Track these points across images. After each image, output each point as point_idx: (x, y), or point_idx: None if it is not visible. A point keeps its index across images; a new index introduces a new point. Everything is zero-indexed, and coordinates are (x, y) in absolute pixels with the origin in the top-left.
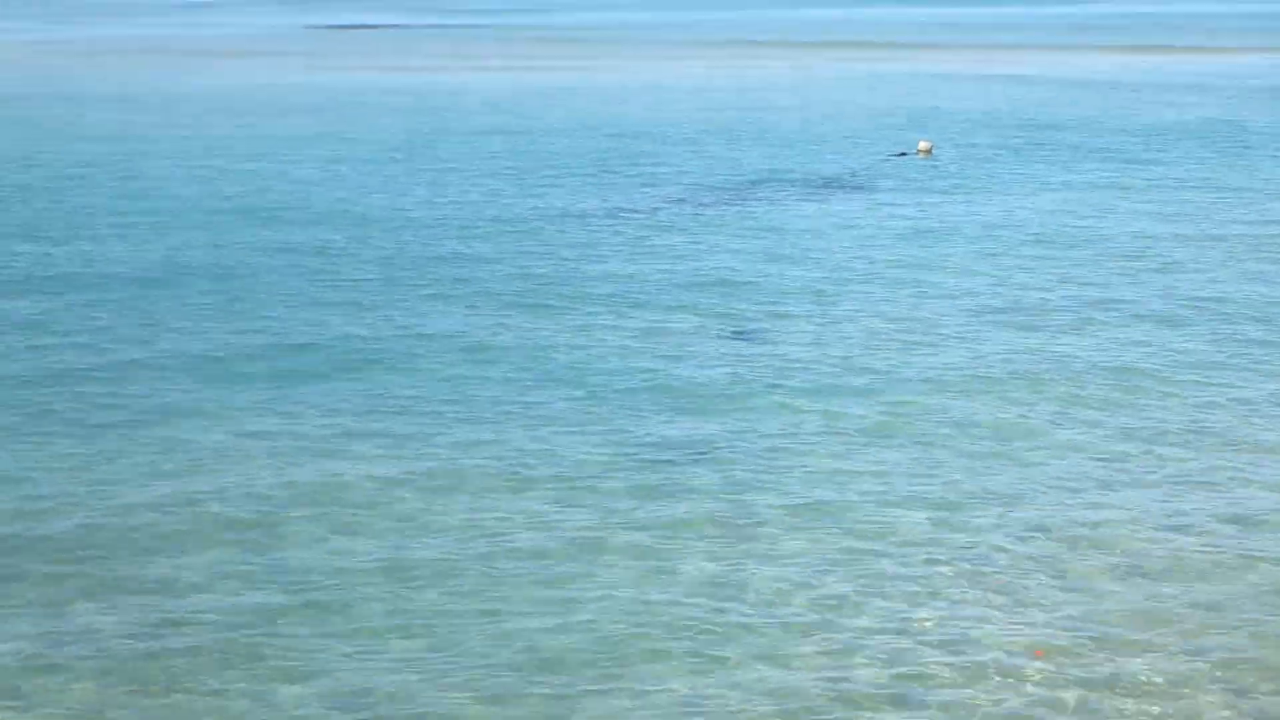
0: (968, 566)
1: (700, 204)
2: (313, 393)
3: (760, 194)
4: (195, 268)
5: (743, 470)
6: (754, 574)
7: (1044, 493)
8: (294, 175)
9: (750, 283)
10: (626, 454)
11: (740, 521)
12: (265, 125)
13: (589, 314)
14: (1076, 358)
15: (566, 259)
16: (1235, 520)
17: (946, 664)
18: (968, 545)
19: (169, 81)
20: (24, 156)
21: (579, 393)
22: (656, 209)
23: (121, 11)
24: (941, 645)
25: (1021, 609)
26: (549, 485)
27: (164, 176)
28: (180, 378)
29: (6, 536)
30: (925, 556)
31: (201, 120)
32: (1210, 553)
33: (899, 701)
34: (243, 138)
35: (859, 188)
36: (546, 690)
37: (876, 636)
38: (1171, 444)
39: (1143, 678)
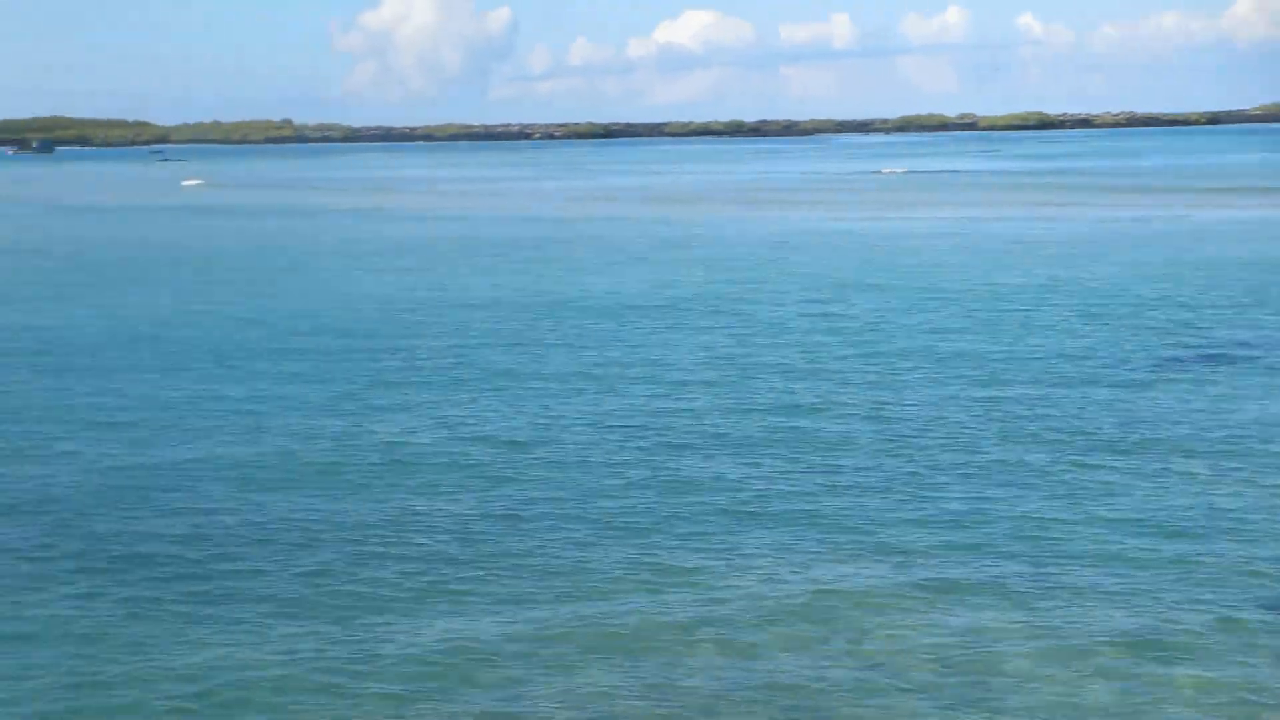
0: None
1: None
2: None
3: None
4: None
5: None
6: None
7: None
8: (878, 314)
9: None
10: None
11: None
12: (819, 266)
13: (1136, 466)
14: None
15: (1115, 410)
16: None
17: None
18: None
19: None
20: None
21: (1136, 542)
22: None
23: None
24: None
25: None
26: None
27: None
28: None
29: None
30: None
31: (776, 260)
32: None
33: None
34: (797, 278)
35: None
36: None
37: None
38: None
39: None
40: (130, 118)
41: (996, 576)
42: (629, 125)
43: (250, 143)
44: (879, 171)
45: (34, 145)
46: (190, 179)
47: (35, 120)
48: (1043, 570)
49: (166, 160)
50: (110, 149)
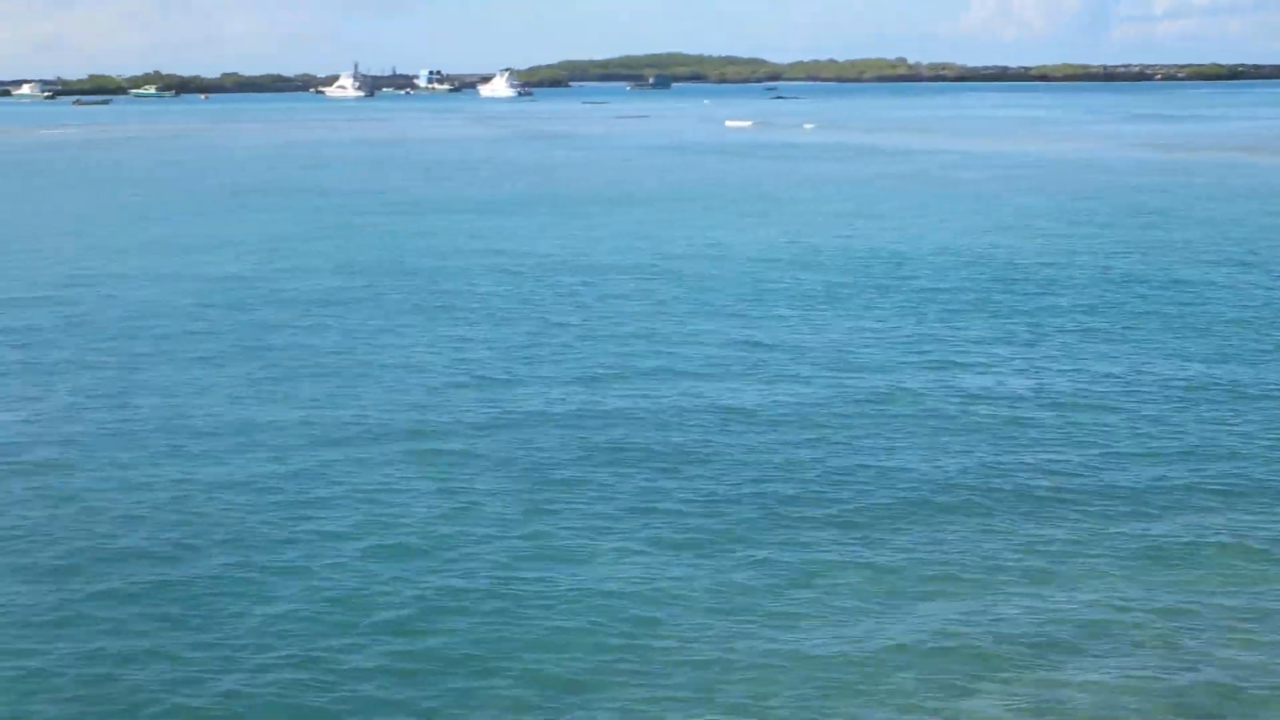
0: None
1: None
2: None
3: None
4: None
5: None
6: None
7: None
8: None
9: None
10: None
11: None
12: None
13: None
14: None
15: None
16: None
17: None
18: None
19: None
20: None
21: None
22: None
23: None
24: None
25: None
26: None
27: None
28: None
29: None
30: None
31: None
32: None
33: None
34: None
35: None
36: None
37: None
38: None
39: None
40: (746, 54)
41: None
42: (1256, 67)
43: (863, 81)
44: None
45: (650, 81)
46: (735, 120)
47: (653, 57)
48: None
49: (781, 97)
50: (725, 85)
